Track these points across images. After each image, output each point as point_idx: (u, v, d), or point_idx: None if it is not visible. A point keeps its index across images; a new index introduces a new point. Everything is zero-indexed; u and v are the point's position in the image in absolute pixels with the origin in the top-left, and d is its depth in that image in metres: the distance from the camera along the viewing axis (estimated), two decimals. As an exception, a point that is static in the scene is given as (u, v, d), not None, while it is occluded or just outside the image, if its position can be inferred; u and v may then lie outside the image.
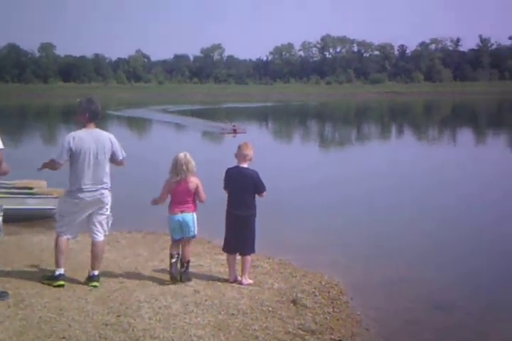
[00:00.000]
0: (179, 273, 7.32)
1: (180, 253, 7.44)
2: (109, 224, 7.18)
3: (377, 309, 7.26)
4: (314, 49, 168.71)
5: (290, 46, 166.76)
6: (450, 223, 11.96)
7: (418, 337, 6.51)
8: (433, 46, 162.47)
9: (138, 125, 47.21)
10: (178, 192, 7.30)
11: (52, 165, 6.84)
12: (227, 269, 7.69)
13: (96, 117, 7.02)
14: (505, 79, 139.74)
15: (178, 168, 7.21)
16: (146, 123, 47.79)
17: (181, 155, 7.28)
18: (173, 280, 7.27)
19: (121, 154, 7.10)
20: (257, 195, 7.44)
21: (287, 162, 22.09)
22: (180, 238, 7.44)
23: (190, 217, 7.35)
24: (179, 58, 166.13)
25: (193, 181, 7.30)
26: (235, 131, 32.41)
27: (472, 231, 11.26)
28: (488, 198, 14.58)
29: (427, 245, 10.26)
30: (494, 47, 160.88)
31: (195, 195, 7.35)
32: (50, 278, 6.95)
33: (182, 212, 7.32)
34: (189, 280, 7.39)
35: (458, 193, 15.31)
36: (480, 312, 7.26)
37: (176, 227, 7.37)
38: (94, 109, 6.98)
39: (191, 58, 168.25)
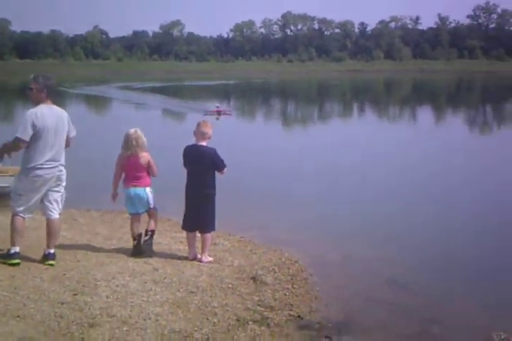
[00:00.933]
0: (142, 246, 7.46)
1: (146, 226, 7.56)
2: (63, 202, 7.04)
3: (336, 286, 7.31)
4: (275, 26, 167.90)
5: (251, 23, 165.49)
6: (414, 204, 12.03)
7: (376, 314, 6.56)
8: (393, 24, 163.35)
9: (103, 104, 45.84)
10: (130, 167, 7.43)
11: (14, 146, 6.64)
12: (186, 247, 7.65)
13: (52, 93, 6.86)
14: (464, 57, 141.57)
15: (128, 143, 7.36)
16: (110, 102, 46.20)
17: (132, 130, 7.43)
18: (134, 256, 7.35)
19: (72, 132, 6.96)
20: (217, 173, 7.38)
21: (251, 141, 22.00)
22: (135, 212, 7.53)
23: (143, 191, 7.44)
24: (138, 35, 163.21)
25: (144, 156, 7.41)
26: (218, 113, 30.06)
27: (437, 213, 11.32)
28: (445, 175, 14.80)
29: (390, 225, 10.27)
30: (453, 25, 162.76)
31: (148, 169, 7.46)
32: (5, 257, 6.78)
33: (134, 186, 7.44)
34: (150, 251, 7.46)
35: (419, 171, 15.49)
36: (439, 293, 7.31)
37: (129, 201, 7.49)
38: (50, 84, 6.81)
39: (150, 34, 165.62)
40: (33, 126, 6.55)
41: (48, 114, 6.67)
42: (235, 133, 23.19)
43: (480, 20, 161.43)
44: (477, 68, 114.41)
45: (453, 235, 9.66)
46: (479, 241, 9.41)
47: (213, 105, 32.07)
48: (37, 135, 6.58)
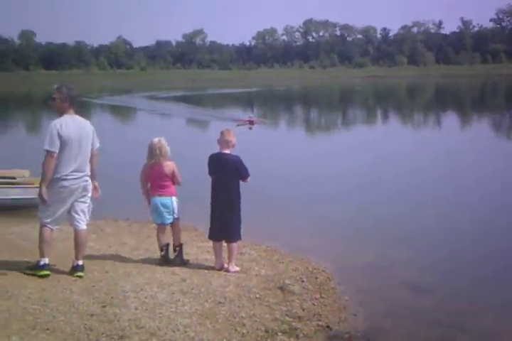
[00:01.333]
0: (173, 259, 7.55)
1: (172, 238, 7.62)
2: (90, 212, 7.08)
3: (364, 294, 7.26)
4: (297, 33, 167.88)
5: (273, 31, 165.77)
6: (433, 208, 11.95)
7: (403, 320, 6.52)
8: (415, 29, 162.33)
9: (127, 114, 46.09)
10: (155, 176, 7.48)
11: (47, 161, 6.57)
12: (213, 257, 7.65)
13: (75, 103, 6.93)
14: (487, 62, 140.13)
15: (152, 152, 7.43)
16: (135, 112, 46.45)
17: (156, 140, 7.49)
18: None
19: (96, 143, 6.99)
20: (241, 181, 7.38)
21: (274, 148, 21.98)
22: (161, 223, 7.55)
23: (169, 200, 7.49)
24: (161, 44, 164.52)
25: (169, 165, 7.47)
26: (251, 122, 29.11)
27: (454, 216, 11.26)
28: (468, 180, 14.63)
29: (410, 229, 10.24)
30: (476, 29, 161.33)
31: (173, 179, 7.50)
32: (34, 268, 6.84)
33: (160, 195, 7.49)
34: (185, 263, 7.54)
35: (440, 176, 15.34)
36: (461, 295, 7.30)
37: (155, 211, 7.52)
38: (73, 94, 6.89)
39: (173, 44, 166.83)
40: (59, 136, 6.61)
41: (72, 125, 6.73)
42: (258, 141, 23.19)
43: (503, 24, 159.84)
44: (501, 72, 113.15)
45: (482, 241, 9.53)
46: (498, 241, 9.29)
47: (241, 114, 31.24)
48: (62, 146, 6.62)
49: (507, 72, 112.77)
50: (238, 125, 28.09)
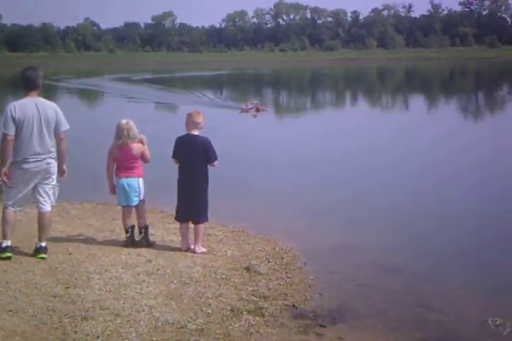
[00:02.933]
0: (139, 241, 7.49)
1: (137, 220, 7.53)
2: (56, 195, 6.98)
3: (330, 273, 7.29)
4: (267, 16, 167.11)
5: (243, 13, 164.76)
6: (401, 190, 12.07)
7: (369, 299, 6.55)
8: (385, 12, 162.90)
9: (94, 97, 45.54)
10: (122, 158, 7.38)
11: (3, 143, 6.50)
12: (179, 238, 7.62)
13: (32, 85, 6.72)
14: (456, 45, 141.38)
15: (119, 133, 7.33)
16: (103, 95, 45.93)
17: (124, 121, 7.40)
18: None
19: (64, 125, 6.84)
20: (209, 165, 7.32)
21: (243, 132, 21.92)
22: (127, 205, 7.48)
23: (136, 182, 7.41)
24: (130, 26, 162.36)
25: (137, 147, 7.38)
26: (257, 109, 27.10)
27: (421, 197, 11.37)
28: (434, 161, 14.79)
29: (379, 211, 10.30)
30: (445, 12, 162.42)
31: (140, 160, 7.44)
32: (-4, 251, 6.74)
33: (127, 176, 7.40)
34: (151, 244, 7.49)
35: (411, 160, 15.48)
36: (426, 274, 7.38)
37: (122, 192, 7.44)
38: (28, 75, 6.73)
39: (142, 26, 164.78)
40: (13, 118, 6.49)
41: (30, 107, 6.59)
42: (224, 124, 23.11)
43: (472, 7, 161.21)
44: (469, 55, 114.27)
45: (447, 223, 9.65)
46: (474, 229, 9.39)
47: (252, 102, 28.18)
48: (18, 128, 6.52)
49: (475, 55, 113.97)
50: (242, 112, 27.21)
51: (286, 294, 6.43)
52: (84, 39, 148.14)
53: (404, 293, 6.76)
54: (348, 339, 5.52)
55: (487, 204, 10.80)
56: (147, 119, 19.84)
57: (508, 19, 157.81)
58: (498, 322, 5.43)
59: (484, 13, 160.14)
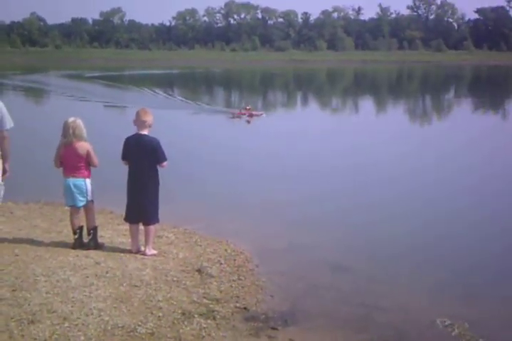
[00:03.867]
0: (87, 242, 7.32)
1: (85, 221, 7.38)
2: (2, 195, 6.77)
3: (282, 275, 7.30)
4: (218, 15, 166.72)
5: (194, 11, 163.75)
6: (350, 189, 12.19)
7: (320, 300, 6.61)
8: (335, 14, 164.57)
9: (39, 95, 44.44)
10: (68, 157, 7.23)
11: None
12: (129, 240, 7.49)
13: None
14: (404, 48, 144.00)
15: (65, 131, 7.17)
16: (48, 94, 44.83)
17: (71, 119, 7.22)
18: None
19: (8, 123, 6.64)
20: (158, 166, 7.22)
21: (190, 131, 21.79)
22: (73, 205, 7.33)
23: (82, 182, 7.26)
24: (77, 22, 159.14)
25: (82, 146, 7.21)
26: (250, 115, 24.77)
27: (373, 197, 11.51)
28: (385, 157, 15.03)
29: (330, 212, 10.35)
30: (393, 16, 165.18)
31: (87, 160, 7.27)
32: None
33: (73, 176, 7.25)
34: (99, 246, 7.35)
35: (355, 158, 15.68)
36: (376, 274, 7.48)
37: (68, 192, 7.28)
38: None
39: (90, 22, 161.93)
40: None
41: None
42: (176, 123, 22.94)
43: (420, 11, 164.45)
44: (417, 58, 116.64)
45: (398, 223, 9.78)
46: (424, 228, 9.56)
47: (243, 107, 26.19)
48: None
49: (422, 58, 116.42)
50: (233, 117, 25.15)
51: (238, 296, 6.41)
52: (30, 34, 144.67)
53: (354, 293, 6.83)
54: (299, 340, 5.53)
55: (434, 204, 11.04)
56: (98, 119, 19.54)
57: (455, 24, 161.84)
58: (446, 323, 5.53)
59: (431, 17, 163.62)
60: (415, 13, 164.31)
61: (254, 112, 25.23)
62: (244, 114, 24.95)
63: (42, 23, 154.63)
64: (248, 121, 24.07)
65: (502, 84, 59.64)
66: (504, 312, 6.48)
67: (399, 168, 14.58)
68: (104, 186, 7.92)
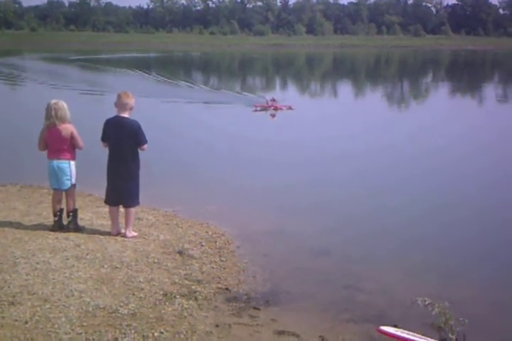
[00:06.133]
0: (67, 225, 7.26)
1: (65, 203, 7.31)
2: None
3: (263, 257, 7.32)
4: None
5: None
6: (334, 176, 12.19)
7: (302, 281, 6.64)
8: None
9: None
10: (52, 139, 7.15)
11: None
12: (109, 222, 7.44)
13: None
14: (383, 33, 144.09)
15: (48, 113, 7.10)
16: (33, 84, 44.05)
17: (53, 101, 7.15)
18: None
19: None
20: (139, 149, 7.15)
21: (168, 115, 21.64)
22: (59, 188, 7.27)
23: (66, 164, 7.19)
24: (53, 4, 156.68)
25: (66, 128, 7.13)
26: (275, 108, 21.86)
27: (353, 183, 11.54)
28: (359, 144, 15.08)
29: (311, 197, 10.33)
30: (372, 1, 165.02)
31: (72, 142, 7.18)
32: None
33: (58, 159, 7.18)
34: (80, 229, 7.29)
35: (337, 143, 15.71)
36: (357, 256, 7.55)
37: (53, 175, 7.21)
38: None
39: (66, 4, 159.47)
40: None
41: None
42: (153, 109, 22.77)
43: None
44: (395, 43, 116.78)
45: (376, 206, 9.85)
46: (402, 210, 9.65)
47: (264, 98, 23.37)
48: None
49: (401, 43, 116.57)
50: (255, 110, 22.11)
51: (219, 277, 6.41)
52: (6, 17, 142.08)
53: (335, 275, 6.87)
54: (281, 320, 5.57)
55: (407, 185, 11.22)
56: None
57: (433, 9, 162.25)
58: (427, 302, 5.58)
59: (410, 2, 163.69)
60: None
61: (279, 105, 22.07)
62: (271, 107, 21.95)
63: (17, 6, 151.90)
64: (273, 115, 21.22)
65: (479, 68, 60.04)
66: (483, 291, 6.58)
67: (380, 157, 14.62)
68: (83, 168, 7.81)
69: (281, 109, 21.94)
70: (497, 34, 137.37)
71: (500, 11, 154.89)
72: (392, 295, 6.34)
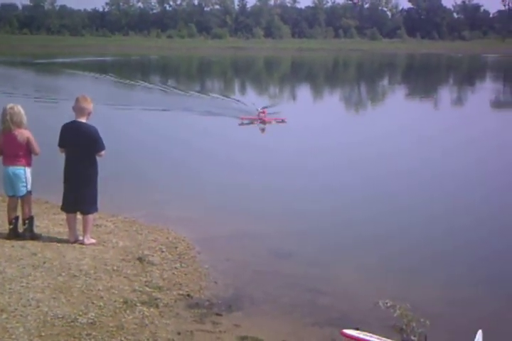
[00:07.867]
0: (23, 233, 7.11)
1: (20, 211, 7.16)
2: None
3: (225, 261, 7.28)
4: (153, 1, 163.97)
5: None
6: (290, 177, 12.19)
7: (264, 285, 6.62)
8: (272, 2, 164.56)
9: None
10: (7, 145, 7.01)
11: None
12: (67, 229, 7.28)
13: None
14: (340, 36, 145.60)
15: (3, 118, 6.96)
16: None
17: (9, 105, 7.00)
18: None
19: None
20: (96, 155, 7.03)
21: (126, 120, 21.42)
22: (14, 195, 7.12)
23: (22, 171, 7.04)
24: (6, 7, 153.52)
25: (22, 133, 6.98)
26: (263, 121, 19.67)
27: (314, 186, 11.56)
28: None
29: (272, 202, 10.29)
30: (329, 4, 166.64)
31: (28, 148, 7.04)
32: None
33: (13, 165, 7.03)
34: (36, 237, 7.13)
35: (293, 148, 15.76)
36: (319, 259, 7.57)
37: (7, 181, 7.07)
38: None
39: (20, 7, 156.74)
40: None
41: None
42: (112, 115, 22.51)
43: (355, 0, 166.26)
44: (352, 46, 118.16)
45: (338, 209, 9.89)
46: (365, 212, 9.70)
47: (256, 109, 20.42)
48: None
49: (357, 46, 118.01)
50: (241, 124, 19.84)
51: (180, 284, 6.34)
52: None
53: (298, 278, 6.87)
54: (244, 326, 5.53)
55: (372, 187, 11.32)
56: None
57: (389, 13, 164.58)
58: (388, 304, 5.62)
59: (366, 6, 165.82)
60: (350, 2, 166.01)
61: (267, 118, 19.82)
62: (257, 120, 19.85)
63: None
64: (262, 129, 19.19)
65: (433, 71, 61.12)
66: (444, 292, 6.65)
67: (344, 155, 14.73)
68: (38, 174, 7.64)
69: (270, 122, 19.67)
70: (451, 37, 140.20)
71: (455, 14, 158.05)
72: (354, 297, 6.37)
